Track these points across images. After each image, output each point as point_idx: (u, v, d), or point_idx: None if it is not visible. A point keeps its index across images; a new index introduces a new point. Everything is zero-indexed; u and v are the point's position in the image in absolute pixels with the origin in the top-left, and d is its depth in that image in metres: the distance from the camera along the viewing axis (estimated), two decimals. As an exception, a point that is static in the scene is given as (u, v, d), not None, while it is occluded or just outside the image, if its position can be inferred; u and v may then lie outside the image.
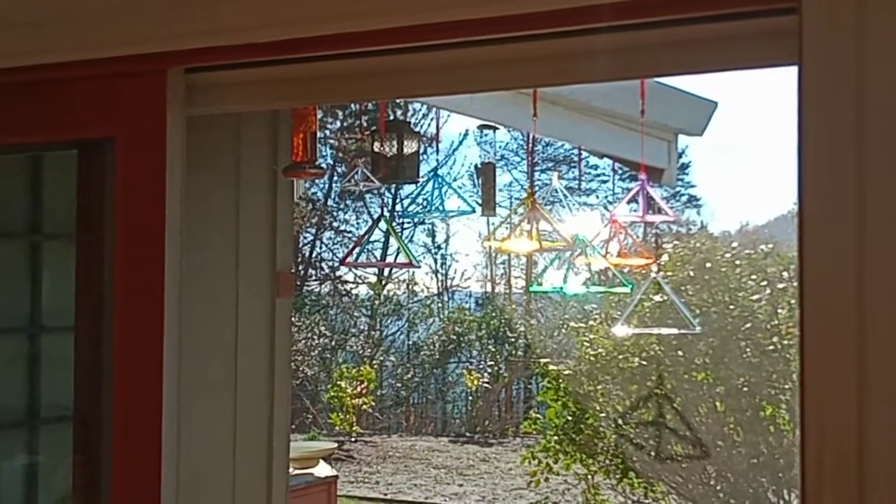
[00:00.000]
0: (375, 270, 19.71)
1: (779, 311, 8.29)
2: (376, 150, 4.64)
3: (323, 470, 7.47)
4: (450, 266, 21.04)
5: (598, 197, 21.40)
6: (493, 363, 17.67)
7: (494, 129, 5.38)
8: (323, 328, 18.21)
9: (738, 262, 8.80)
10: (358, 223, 20.74)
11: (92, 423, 2.59)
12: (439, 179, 5.21)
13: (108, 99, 2.55)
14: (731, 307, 8.45)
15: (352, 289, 20.20)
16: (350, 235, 20.55)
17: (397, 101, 6.57)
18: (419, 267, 18.34)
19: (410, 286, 20.09)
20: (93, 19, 2.50)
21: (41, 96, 2.62)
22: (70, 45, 2.53)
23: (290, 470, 4.31)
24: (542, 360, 10.99)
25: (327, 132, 18.05)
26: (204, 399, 3.36)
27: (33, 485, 3.56)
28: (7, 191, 3.46)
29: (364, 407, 15.89)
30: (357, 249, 5.48)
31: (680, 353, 8.67)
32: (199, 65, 2.46)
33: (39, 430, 3.53)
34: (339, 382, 15.73)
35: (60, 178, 3.03)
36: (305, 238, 19.90)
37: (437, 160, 7.09)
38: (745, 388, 8.37)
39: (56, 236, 3.48)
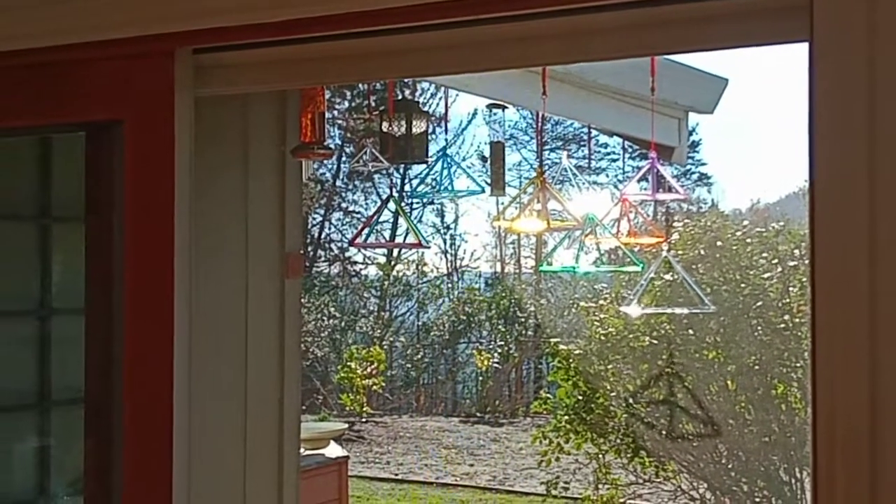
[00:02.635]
0: (384, 251, 19.71)
1: (790, 288, 8.27)
2: (385, 130, 4.63)
3: (334, 451, 7.49)
4: (459, 246, 21.06)
5: (608, 175, 21.38)
6: (503, 343, 17.69)
7: (503, 108, 5.35)
8: (332, 309, 18.25)
9: (749, 240, 8.77)
10: (367, 203, 20.76)
11: (103, 405, 2.60)
12: (448, 159, 5.19)
13: (115, 80, 2.55)
14: (743, 285, 8.44)
15: (361, 269, 20.24)
16: (359, 216, 20.57)
17: (405, 80, 6.55)
18: (428, 247, 18.34)
19: (420, 267, 20.09)
20: (99, 0, 2.50)
21: (49, 79, 2.62)
22: (77, 26, 2.52)
23: (301, 451, 4.32)
24: (553, 340, 10.99)
25: (335, 112, 18.05)
26: (214, 381, 3.37)
27: (45, 467, 3.58)
28: (16, 174, 3.46)
29: (374, 388, 15.93)
30: (366, 230, 5.48)
31: (691, 331, 8.66)
32: (206, 45, 2.45)
33: (51, 413, 3.55)
34: (349, 363, 15.77)
35: (69, 160, 3.03)
36: (314, 219, 19.91)
37: (446, 140, 7.05)
38: (757, 367, 8.37)
39: (65, 219, 3.49)
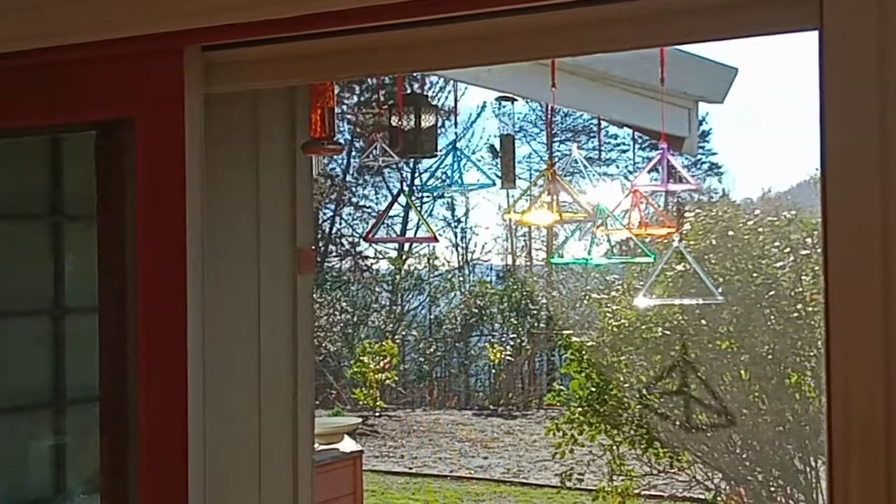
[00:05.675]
0: (395, 245, 19.73)
1: (803, 277, 8.25)
2: (394, 124, 4.63)
3: (348, 445, 7.49)
4: (470, 239, 21.07)
5: (618, 167, 21.32)
6: (515, 336, 17.68)
7: (513, 100, 5.34)
8: (344, 304, 18.26)
9: (760, 230, 8.75)
10: (377, 198, 20.78)
11: (118, 403, 2.60)
12: (458, 152, 5.19)
13: (125, 79, 2.55)
14: (755, 275, 8.41)
15: (372, 264, 20.26)
16: (369, 210, 20.59)
17: (415, 74, 6.55)
18: (437, 241, 18.33)
19: (431, 260, 20.09)
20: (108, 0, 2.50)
21: (59, 78, 2.62)
22: (86, 25, 2.52)
23: (316, 446, 4.33)
24: (565, 332, 10.96)
25: (344, 107, 18.04)
26: (228, 377, 3.37)
27: (61, 465, 3.59)
28: (28, 173, 3.47)
29: (387, 382, 15.94)
30: (378, 225, 5.48)
31: (703, 322, 8.64)
32: (215, 42, 2.45)
33: (66, 411, 3.56)
34: (361, 358, 15.79)
35: (80, 159, 3.04)
36: (325, 214, 19.93)
37: (456, 133, 7.05)
38: (770, 356, 8.34)
39: (77, 217, 3.49)
